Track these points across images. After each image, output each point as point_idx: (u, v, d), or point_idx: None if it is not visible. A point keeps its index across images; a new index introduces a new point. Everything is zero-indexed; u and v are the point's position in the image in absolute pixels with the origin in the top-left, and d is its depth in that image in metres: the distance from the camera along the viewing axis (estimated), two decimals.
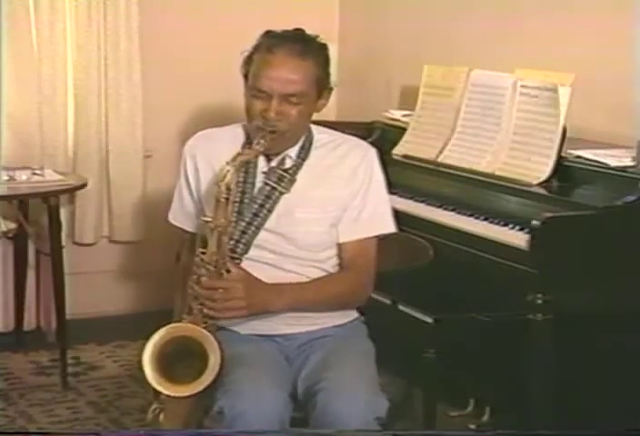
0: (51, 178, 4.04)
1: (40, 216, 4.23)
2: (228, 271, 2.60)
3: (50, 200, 3.97)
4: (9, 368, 4.17)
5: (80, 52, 4.46)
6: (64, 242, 4.15)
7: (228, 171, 2.54)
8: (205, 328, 2.55)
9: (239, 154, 2.59)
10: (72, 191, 4.21)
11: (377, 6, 4.74)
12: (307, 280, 2.74)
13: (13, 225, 4.28)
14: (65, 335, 4.09)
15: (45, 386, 4.02)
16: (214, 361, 2.49)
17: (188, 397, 2.51)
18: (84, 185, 4.14)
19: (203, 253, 2.58)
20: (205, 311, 2.56)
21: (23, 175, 3.96)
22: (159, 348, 2.53)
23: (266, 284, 2.64)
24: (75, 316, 4.33)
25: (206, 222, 2.57)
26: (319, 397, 2.51)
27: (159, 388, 2.52)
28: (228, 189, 2.55)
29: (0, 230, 4.27)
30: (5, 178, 3.93)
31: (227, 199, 2.55)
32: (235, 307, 2.57)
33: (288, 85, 2.64)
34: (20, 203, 4.24)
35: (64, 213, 4.25)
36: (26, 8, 4.34)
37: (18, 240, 4.39)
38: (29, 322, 4.51)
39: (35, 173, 4.01)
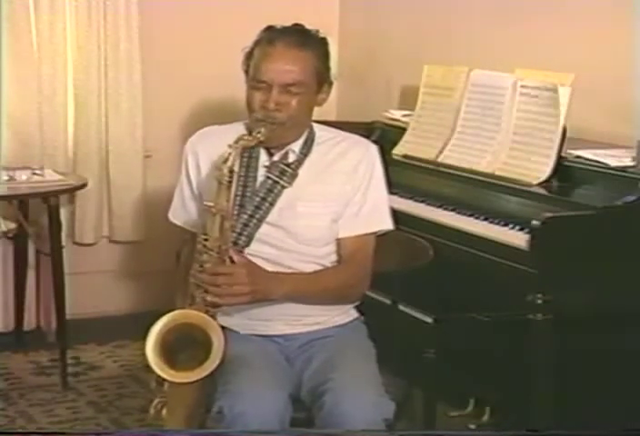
0: (51, 178, 4.04)
1: (40, 216, 4.23)
2: (232, 259, 2.60)
3: (50, 200, 3.97)
4: (9, 368, 4.17)
5: (80, 52, 4.46)
6: (64, 242, 4.15)
7: (230, 154, 2.56)
8: (208, 312, 2.55)
9: (240, 139, 2.60)
10: (72, 191, 4.21)
11: (377, 6, 4.74)
12: None
13: (13, 225, 4.28)
14: (65, 335, 4.09)
15: (45, 386, 4.02)
16: (217, 345, 2.49)
17: (192, 383, 2.50)
18: (84, 185, 4.14)
19: (205, 240, 2.58)
20: (209, 298, 2.55)
21: (23, 175, 3.96)
22: (162, 336, 2.52)
23: (268, 272, 2.66)
24: (75, 316, 4.33)
25: (209, 207, 2.57)
26: (326, 398, 2.51)
27: (163, 374, 2.51)
28: (231, 172, 2.56)
29: (0, 230, 4.27)
30: (5, 178, 3.93)
31: (230, 182, 2.56)
32: (238, 293, 2.56)
33: (287, 75, 2.66)
34: (20, 203, 4.24)
35: (64, 213, 4.25)
36: (26, 8, 4.34)
37: (18, 240, 4.39)
38: (29, 322, 4.51)
39: (35, 173, 4.01)
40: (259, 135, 2.63)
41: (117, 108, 4.54)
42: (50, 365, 4.20)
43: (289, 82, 2.67)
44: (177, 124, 4.66)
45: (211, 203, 2.57)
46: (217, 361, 2.48)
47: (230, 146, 2.57)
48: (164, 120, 4.66)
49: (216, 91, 4.50)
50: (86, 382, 4.08)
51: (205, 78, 4.61)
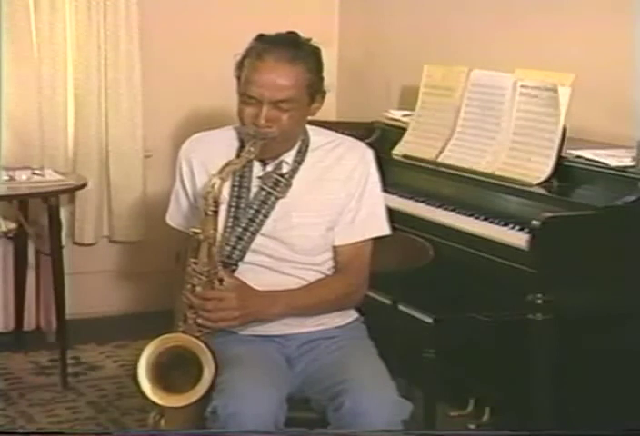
0: (51, 178, 4.04)
1: (40, 216, 4.23)
2: (221, 280, 2.60)
3: (50, 200, 3.97)
4: (9, 368, 4.17)
5: (80, 52, 4.46)
6: (64, 242, 4.15)
7: (215, 183, 2.54)
8: (199, 337, 2.55)
9: (227, 165, 2.58)
10: (72, 191, 4.21)
11: (377, 7, 4.74)
12: (304, 283, 2.73)
13: (13, 225, 4.28)
14: (65, 335, 4.09)
15: (45, 386, 4.02)
16: (207, 371, 2.49)
17: (184, 407, 2.51)
18: (84, 185, 4.14)
19: (195, 263, 2.57)
20: (200, 320, 2.56)
21: (23, 175, 3.96)
22: (153, 359, 2.53)
23: (260, 292, 2.64)
24: (75, 316, 4.33)
25: (195, 233, 2.57)
26: (345, 398, 2.49)
27: (155, 399, 2.52)
28: (215, 201, 2.54)
29: (0, 230, 4.27)
30: (5, 178, 3.93)
31: (215, 211, 2.55)
32: (228, 318, 2.57)
33: (278, 92, 2.61)
34: (20, 203, 4.24)
35: (64, 213, 4.25)
36: (26, 8, 4.34)
37: (18, 240, 4.39)
38: (29, 322, 4.51)
39: (34, 173, 4.01)
40: (248, 155, 2.61)
41: (117, 108, 4.54)
42: (50, 365, 4.20)
43: (280, 98, 2.61)
44: (177, 124, 4.66)
45: (198, 230, 2.56)
46: (207, 387, 2.48)
47: (214, 175, 2.55)
48: (164, 120, 4.66)
49: (216, 91, 4.47)
50: (86, 382, 4.08)
51: (204, 78, 4.61)
